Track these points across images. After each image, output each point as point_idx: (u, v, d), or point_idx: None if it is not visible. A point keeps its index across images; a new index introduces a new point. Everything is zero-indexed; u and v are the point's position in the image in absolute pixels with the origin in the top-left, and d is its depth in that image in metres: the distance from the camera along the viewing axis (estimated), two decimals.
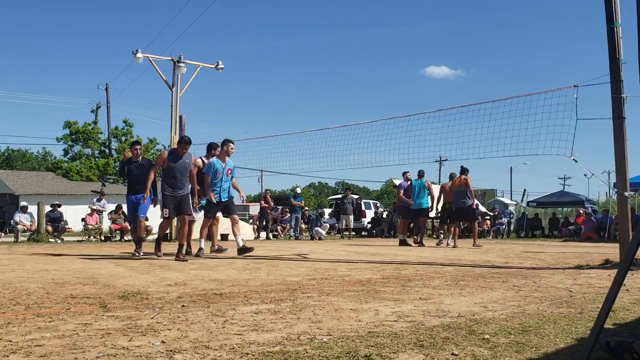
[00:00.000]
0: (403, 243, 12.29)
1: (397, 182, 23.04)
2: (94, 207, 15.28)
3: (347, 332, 2.62)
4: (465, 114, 9.29)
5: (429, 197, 12.50)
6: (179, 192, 7.41)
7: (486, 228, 20.37)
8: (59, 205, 15.14)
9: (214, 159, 7.85)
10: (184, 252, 7.32)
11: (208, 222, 7.96)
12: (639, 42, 3.58)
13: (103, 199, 15.93)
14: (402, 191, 12.70)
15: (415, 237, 12.66)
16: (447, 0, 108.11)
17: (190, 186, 7.61)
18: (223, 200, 7.84)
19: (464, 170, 11.67)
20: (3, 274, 5.19)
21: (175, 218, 7.74)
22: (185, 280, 4.80)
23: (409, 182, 12.63)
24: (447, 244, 12.06)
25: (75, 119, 35.40)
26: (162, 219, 7.55)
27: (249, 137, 20.27)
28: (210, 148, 8.20)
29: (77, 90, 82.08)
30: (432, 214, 13.98)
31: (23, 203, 15.36)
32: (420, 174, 12.49)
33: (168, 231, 15.06)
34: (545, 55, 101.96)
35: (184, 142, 7.55)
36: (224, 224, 15.45)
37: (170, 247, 9.93)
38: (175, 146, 7.93)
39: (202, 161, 8.14)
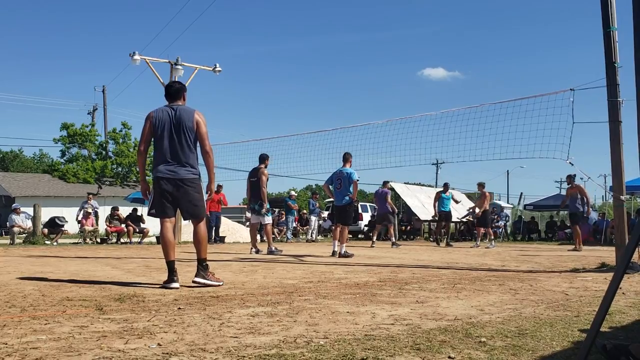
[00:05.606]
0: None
1: (393, 184, 23.07)
2: (88, 210, 15.15)
3: (344, 335, 2.61)
4: (461, 117, 9.32)
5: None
6: (175, 172, 4.37)
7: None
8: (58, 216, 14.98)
9: None
10: (207, 274, 4.53)
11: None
12: (635, 46, 3.60)
13: (93, 199, 15.72)
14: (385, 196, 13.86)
15: (440, 238, 14.28)
16: (444, 3, 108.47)
17: (188, 166, 4.46)
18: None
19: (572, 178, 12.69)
20: None
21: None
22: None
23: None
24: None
25: (71, 120, 35.39)
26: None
27: (245, 140, 20.27)
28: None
29: (74, 92, 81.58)
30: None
31: (17, 206, 15.01)
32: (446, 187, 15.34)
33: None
34: (543, 58, 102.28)
35: (173, 89, 4.58)
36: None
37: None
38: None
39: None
